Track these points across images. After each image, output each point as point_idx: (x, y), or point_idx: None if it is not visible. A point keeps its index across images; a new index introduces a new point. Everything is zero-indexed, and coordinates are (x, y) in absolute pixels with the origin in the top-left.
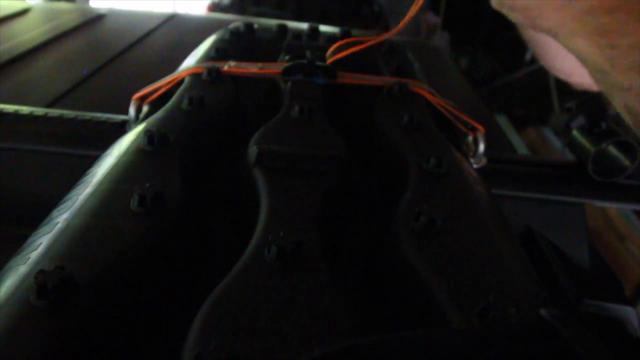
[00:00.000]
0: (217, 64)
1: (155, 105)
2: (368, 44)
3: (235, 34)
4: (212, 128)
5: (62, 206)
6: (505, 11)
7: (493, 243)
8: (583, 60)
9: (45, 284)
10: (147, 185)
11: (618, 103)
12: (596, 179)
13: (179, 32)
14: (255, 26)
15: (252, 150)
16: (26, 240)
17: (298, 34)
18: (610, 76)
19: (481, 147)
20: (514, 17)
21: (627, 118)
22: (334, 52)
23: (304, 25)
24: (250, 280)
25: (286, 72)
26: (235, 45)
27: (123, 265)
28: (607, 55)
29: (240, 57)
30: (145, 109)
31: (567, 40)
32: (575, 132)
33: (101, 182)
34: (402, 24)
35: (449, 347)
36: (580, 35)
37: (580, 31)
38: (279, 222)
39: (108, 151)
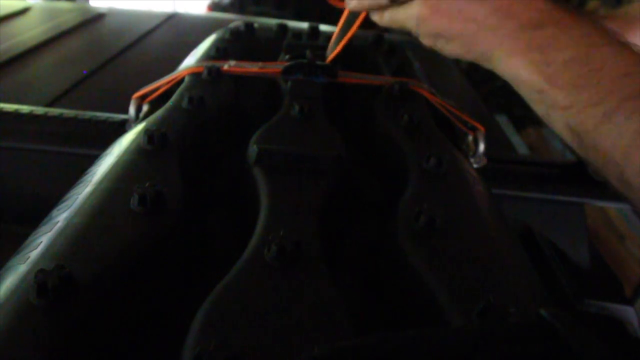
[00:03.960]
0: (217, 64)
1: (155, 105)
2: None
3: (235, 33)
4: (212, 127)
5: (62, 205)
6: (440, 45)
7: (493, 243)
8: (519, 84)
9: (45, 283)
10: (147, 184)
11: (559, 125)
12: (596, 179)
13: (178, 32)
14: (256, 26)
15: (252, 149)
16: (26, 239)
17: (298, 33)
18: (549, 95)
19: (481, 147)
20: (449, 49)
21: (569, 139)
22: (334, 44)
23: (304, 25)
24: (250, 279)
25: (286, 71)
26: (235, 44)
27: (123, 264)
28: (544, 73)
29: (241, 57)
30: (145, 108)
31: (503, 62)
32: None
33: (101, 182)
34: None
35: (449, 346)
36: (515, 54)
37: (515, 49)
38: (279, 222)
39: (108, 150)
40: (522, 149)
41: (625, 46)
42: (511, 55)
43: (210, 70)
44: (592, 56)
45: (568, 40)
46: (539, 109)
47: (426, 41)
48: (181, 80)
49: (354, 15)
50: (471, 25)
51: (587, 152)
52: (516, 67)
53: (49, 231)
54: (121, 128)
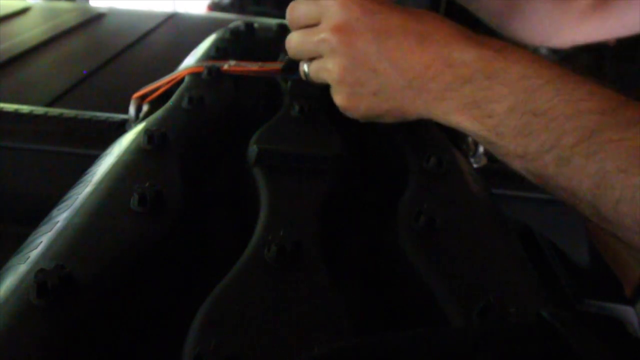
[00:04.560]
0: (217, 63)
1: (155, 105)
2: None
3: (235, 33)
4: (212, 127)
5: (62, 205)
6: (373, 120)
7: (493, 243)
8: (469, 134)
9: (45, 282)
10: (147, 184)
11: (519, 170)
12: None
13: (179, 32)
14: (256, 25)
15: (252, 149)
16: (26, 239)
17: None
18: (500, 146)
19: (481, 147)
20: (384, 122)
21: (534, 182)
22: None
23: None
24: (250, 279)
25: (286, 71)
26: (235, 44)
27: (123, 264)
28: (487, 125)
29: (241, 57)
30: (145, 108)
31: (443, 118)
32: None
33: (101, 181)
34: None
35: (448, 346)
36: (451, 112)
37: (448, 109)
38: (279, 222)
39: (108, 150)
40: None
41: (568, 79)
42: (448, 114)
43: (210, 70)
44: (533, 100)
45: (502, 88)
46: (497, 155)
47: (354, 115)
48: (181, 80)
49: None
50: (392, 104)
51: (556, 194)
52: (457, 122)
53: (49, 231)
54: (121, 128)
